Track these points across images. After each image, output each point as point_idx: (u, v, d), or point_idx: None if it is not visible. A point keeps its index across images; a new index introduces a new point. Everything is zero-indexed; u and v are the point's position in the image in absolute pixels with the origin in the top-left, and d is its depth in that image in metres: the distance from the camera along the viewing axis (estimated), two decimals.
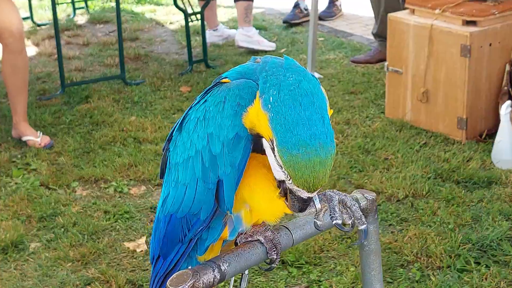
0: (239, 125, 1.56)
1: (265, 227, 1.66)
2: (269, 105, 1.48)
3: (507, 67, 4.88)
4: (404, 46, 5.11)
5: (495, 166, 4.55)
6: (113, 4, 8.67)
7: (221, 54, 6.95)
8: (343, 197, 1.68)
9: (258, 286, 3.58)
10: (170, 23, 8.15)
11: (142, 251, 3.87)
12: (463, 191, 4.28)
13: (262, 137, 1.52)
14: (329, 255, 3.78)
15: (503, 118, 4.58)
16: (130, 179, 4.62)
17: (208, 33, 7.07)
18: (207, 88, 1.70)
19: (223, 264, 1.50)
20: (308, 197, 1.51)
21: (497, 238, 3.80)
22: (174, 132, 1.76)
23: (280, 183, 1.55)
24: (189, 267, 1.55)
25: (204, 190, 1.63)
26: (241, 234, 1.69)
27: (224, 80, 1.67)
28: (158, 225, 1.78)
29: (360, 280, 3.53)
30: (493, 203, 4.14)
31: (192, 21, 6.59)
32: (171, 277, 1.42)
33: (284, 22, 7.84)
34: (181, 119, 1.74)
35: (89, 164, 4.82)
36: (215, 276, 1.47)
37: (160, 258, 1.80)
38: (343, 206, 1.68)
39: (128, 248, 3.90)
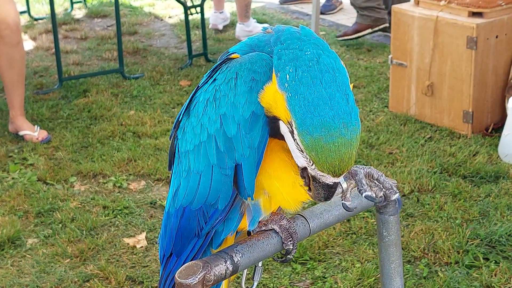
0: (255, 102, 1.43)
1: (280, 216, 1.55)
2: (286, 84, 1.36)
3: None
4: (408, 39, 5.01)
5: (502, 160, 4.46)
6: None
7: (221, 47, 6.85)
8: (368, 170, 1.56)
9: (261, 283, 3.48)
10: (169, 17, 8.05)
11: (142, 247, 3.78)
12: (470, 186, 4.18)
13: (280, 119, 1.40)
14: (334, 251, 3.68)
15: (511, 111, 4.48)
16: (129, 174, 4.53)
17: (213, 15, 7.09)
18: (215, 65, 1.56)
19: (236, 255, 1.38)
20: (334, 182, 1.39)
21: (506, 233, 3.71)
22: (181, 117, 1.62)
23: (303, 171, 1.43)
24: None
25: (221, 177, 1.49)
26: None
27: (233, 56, 1.53)
28: (169, 220, 1.64)
29: (366, 276, 3.44)
30: (501, 198, 4.04)
31: (192, 14, 6.49)
32: (180, 269, 1.30)
33: (280, 2, 8.24)
34: (187, 103, 1.60)
35: (87, 158, 4.72)
36: (227, 267, 1.36)
37: (172, 256, 1.65)
38: (371, 179, 1.56)
39: (128, 244, 3.80)
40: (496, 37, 4.73)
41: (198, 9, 6.50)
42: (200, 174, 1.52)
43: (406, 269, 3.50)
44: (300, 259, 3.60)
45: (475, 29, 4.64)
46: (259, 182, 1.51)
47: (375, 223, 3.89)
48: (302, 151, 1.37)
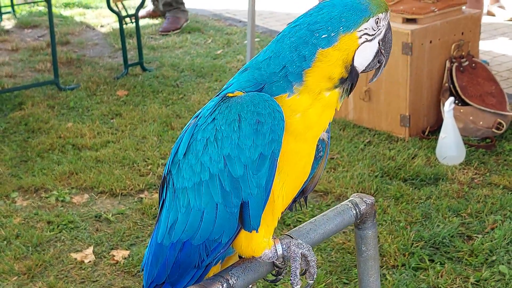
0: (262, 144, 1.48)
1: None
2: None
3: (448, 64, 4.93)
4: None
5: (440, 162, 4.58)
6: (41, 8, 8.45)
7: (156, 56, 6.83)
8: (306, 251, 1.60)
9: None
10: (101, 26, 7.97)
11: (90, 261, 3.74)
12: (410, 189, 4.29)
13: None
14: None
15: (447, 114, 4.61)
16: (72, 188, 4.47)
17: None
18: (212, 100, 1.59)
19: (231, 278, 1.42)
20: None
21: (449, 234, 3.82)
22: (177, 153, 1.63)
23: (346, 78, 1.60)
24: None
25: (226, 214, 1.53)
26: None
27: (235, 93, 1.55)
28: (162, 252, 1.65)
29: None
30: (441, 200, 4.15)
31: (126, 24, 6.44)
32: None
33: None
34: (182, 140, 1.61)
35: (27, 173, 4.65)
36: None
37: (164, 285, 1.67)
38: (304, 259, 1.61)
39: (76, 259, 3.76)
40: (430, 42, 4.86)
41: (133, 18, 6.45)
42: (202, 211, 1.55)
43: (355, 273, 3.56)
44: None
45: (409, 35, 4.75)
46: None
47: None
48: (378, 20, 1.55)
